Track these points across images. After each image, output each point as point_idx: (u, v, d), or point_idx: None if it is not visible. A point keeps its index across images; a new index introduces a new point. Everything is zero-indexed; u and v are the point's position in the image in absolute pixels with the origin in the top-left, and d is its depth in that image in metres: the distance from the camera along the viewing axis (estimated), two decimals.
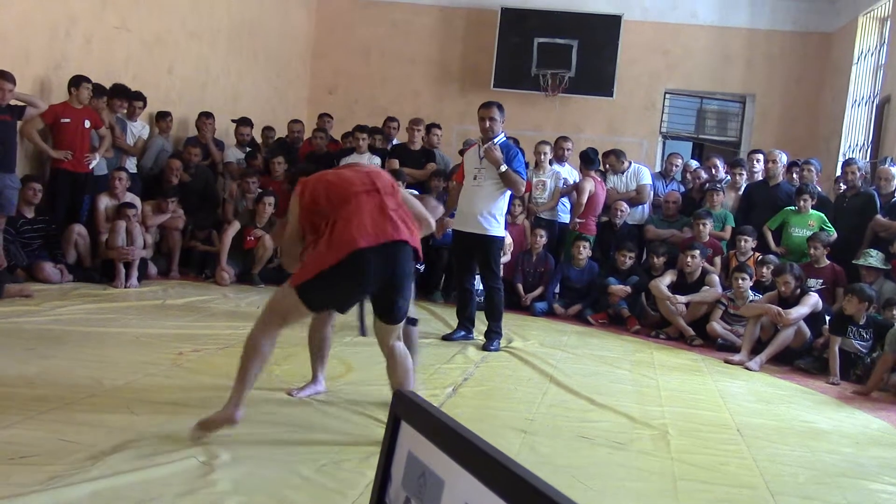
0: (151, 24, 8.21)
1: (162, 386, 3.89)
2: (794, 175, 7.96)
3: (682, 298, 6.82)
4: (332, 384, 4.14)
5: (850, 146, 10.09)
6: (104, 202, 7.10)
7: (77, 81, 6.77)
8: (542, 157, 8.09)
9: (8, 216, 6.28)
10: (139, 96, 7.76)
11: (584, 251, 7.57)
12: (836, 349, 5.74)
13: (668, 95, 11.90)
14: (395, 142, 8.95)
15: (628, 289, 7.29)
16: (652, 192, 8.34)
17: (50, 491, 2.53)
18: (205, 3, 9.21)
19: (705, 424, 4.20)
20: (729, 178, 8.31)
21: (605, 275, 7.49)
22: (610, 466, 3.40)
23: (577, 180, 8.17)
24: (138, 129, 7.93)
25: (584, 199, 7.74)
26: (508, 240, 7.66)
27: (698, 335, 6.71)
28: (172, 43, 8.66)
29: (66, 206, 6.94)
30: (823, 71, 11.21)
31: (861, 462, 3.85)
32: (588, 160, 7.95)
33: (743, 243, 7.17)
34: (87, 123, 6.88)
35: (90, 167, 7.00)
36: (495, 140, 5.58)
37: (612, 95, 11.30)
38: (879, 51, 9.74)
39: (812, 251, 6.87)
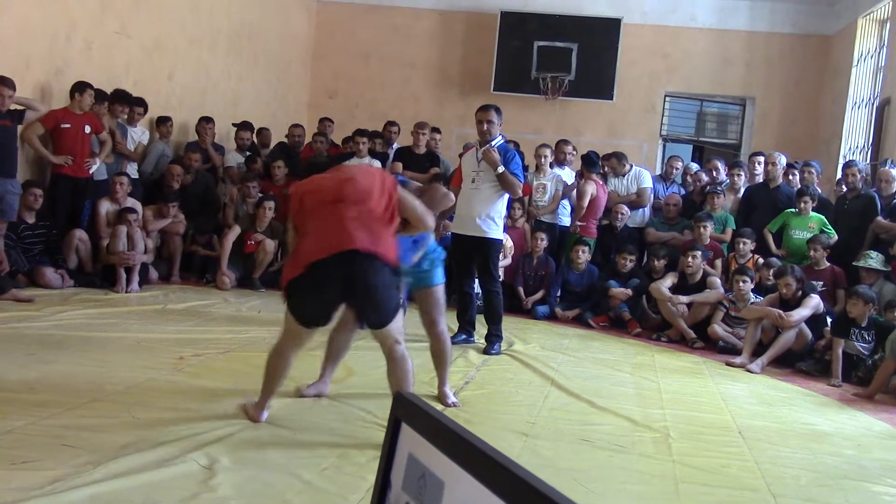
0: (151, 29, 8.22)
1: (163, 390, 3.89)
2: (792, 177, 7.96)
3: (683, 298, 6.82)
4: (335, 387, 4.14)
5: (850, 148, 10.09)
6: (105, 207, 7.10)
7: (82, 88, 6.78)
8: (543, 160, 8.08)
9: (9, 222, 6.28)
10: (140, 102, 7.77)
11: (584, 255, 7.56)
12: (840, 351, 5.74)
13: (667, 98, 11.91)
14: (395, 146, 8.95)
15: (629, 292, 7.29)
16: (652, 196, 8.34)
17: (51, 495, 2.53)
18: (204, 7, 9.23)
19: (707, 427, 4.20)
20: (729, 180, 8.31)
21: (606, 278, 7.49)
22: (611, 469, 3.40)
23: (573, 182, 8.19)
24: (138, 134, 7.94)
25: (586, 202, 7.74)
26: (509, 243, 7.67)
27: (699, 338, 6.70)
28: (172, 48, 8.67)
29: (66, 212, 6.93)
30: (823, 73, 11.21)
31: (863, 464, 3.84)
32: (590, 163, 7.95)
33: (742, 245, 7.17)
34: (88, 129, 6.89)
35: (90, 172, 7.00)
36: (493, 143, 5.60)
37: (612, 98, 11.31)
38: (879, 53, 9.74)
39: (812, 253, 6.87)
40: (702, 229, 7.32)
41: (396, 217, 3.39)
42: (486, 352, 5.57)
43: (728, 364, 6.03)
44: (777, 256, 7.22)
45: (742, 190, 8.09)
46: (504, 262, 7.60)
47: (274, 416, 3.57)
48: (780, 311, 6.06)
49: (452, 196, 4.30)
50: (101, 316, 5.63)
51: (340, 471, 3.01)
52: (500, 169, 5.51)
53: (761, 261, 7.12)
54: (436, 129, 8.94)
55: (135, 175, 7.77)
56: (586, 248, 7.62)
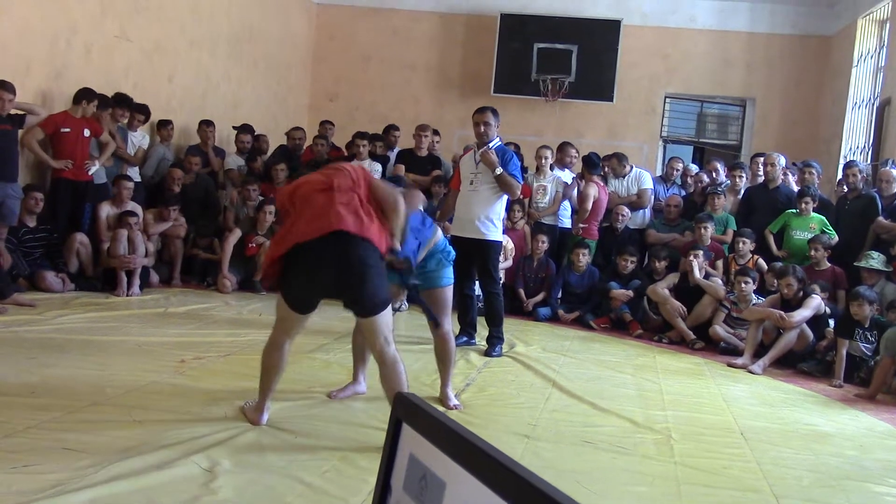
0: (151, 32, 8.23)
1: (164, 393, 3.88)
2: (786, 176, 7.96)
3: (697, 271, 6.85)
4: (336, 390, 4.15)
5: (850, 149, 10.08)
6: (105, 211, 7.10)
7: (89, 97, 6.79)
8: (543, 161, 8.07)
9: (10, 226, 6.28)
10: (143, 109, 7.77)
11: (584, 258, 7.56)
12: (844, 352, 5.73)
13: (668, 99, 11.91)
14: (397, 149, 8.95)
15: (630, 293, 7.29)
16: (653, 197, 8.34)
17: (53, 499, 2.53)
18: (205, 10, 9.24)
19: (708, 428, 4.19)
20: (729, 181, 8.31)
21: (607, 279, 7.48)
22: (613, 471, 3.39)
23: (572, 183, 8.20)
24: (139, 138, 7.94)
25: (589, 205, 7.74)
26: (510, 245, 7.67)
27: (701, 339, 6.70)
28: (172, 51, 8.68)
29: (67, 215, 6.94)
30: (823, 74, 11.21)
31: (865, 465, 3.83)
32: (591, 164, 7.95)
33: (741, 245, 7.17)
34: (87, 132, 6.89)
35: (90, 174, 6.99)
36: (490, 145, 5.60)
37: (612, 100, 11.31)
38: (879, 53, 9.74)
39: (812, 253, 6.87)
40: (702, 230, 7.32)
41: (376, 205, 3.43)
42: (487, 354, 5.58)
43: (729, 365, 6.03)
44: (778, 257, 7.22)
45: (743, 191, 8.09)
46: (505, 263, 7.59)
47: (274, 418, 3.57)
48: (782, 312, 6.05)
49: (423, 197, 4.23)
50: (102, 319, 5.63)
51: (341, 473, 3.01)
52: (499, 170, 5.51)
53: (763, 263, 7.12)
54: (436, 132, 8.94)
55: (137, 178, 7.77)
56: (587, 251, 7.62)
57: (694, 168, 9.13)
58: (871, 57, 9.94)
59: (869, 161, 9.10)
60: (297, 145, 9.28)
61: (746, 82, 11.59)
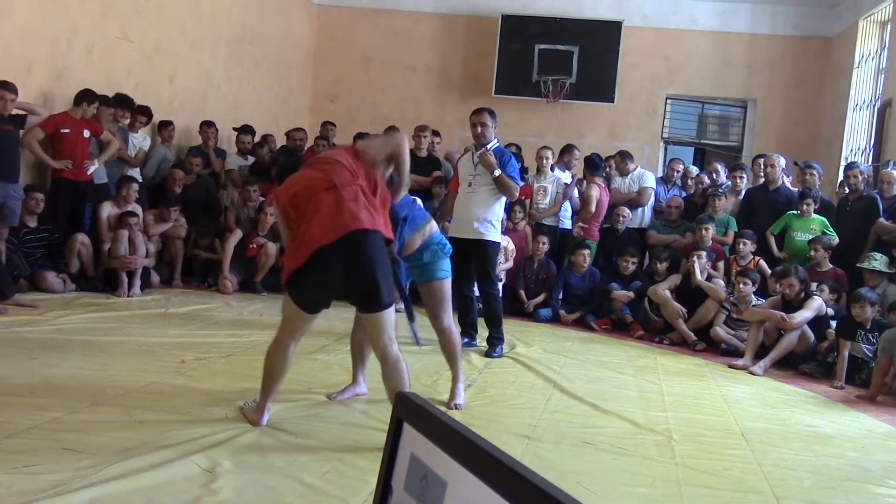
0: (152, 33, 8.23)
1: (165, 394, 3.88)
2: (787, 177, 7.96)
3: (699, 273, 6.88)
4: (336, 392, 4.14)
5: (851, 150, 10.08)
6: (107, 211, 7.10)
7: (91, 99, 6.80)
8: (544, 162, 8.07)
9: (11, 226, 6.28)
10: (145, 111, 7.77)
11: (585, 259, 7.56)
12: (846, 353, 5.72)
13: (669, 100, 11.91)
14: None
15: (631, 294, 7.28)
16: (653, 196, 8.33)
17: (53, 499, 2.53)
18: (205, 11, 9.24)
19: (709, 429, 4.19)
20: (729, 182, 8.30)
21: (608, 280, 7.48)
22: (614, 472, 3.39)
23: (571, 183, 8.20)
24: (139, 140, 7.94)
25: (593, 208, 7.75)
26: (510, 246, 7.67)
27: (702, 340, 6.69)
28: (173, 52, 8.68)
29: (67, 216, 6.94)
30: (824, 75, 11.21)
31: (866, 466, 3.83)
32: (593, 166, 7.95)
33: (742, 246, 7.16)
34: (87, 133, 6.89)
35: (88, 173, 6.99)
36: (488, 146, 5.60)
37: (613, 101, 11.31)
38: (880, 54, 9.74)
39: (813, 253, 6.87)
40: (703, 231, 7.31)
41: (378, 183, 3.44)
42: (487, 354, 5.57)
43: (730, 366, 6.02)
44: (779, 259, 7.22)
45: (743, 192, 8.08)
46: (506, 265, 7.60)
47: (275, 419, 3.57)
48: (782, 314, 6.05)
49: (405, 192, 4.12)
50: (103, 320, 5.63)
51: (342, 474, 3.01)
52: (497, 172, 5.50)
53: (765, 265, 7.12)
54: (436, 133, 8.94)
55: (139, 179, 7.77)
56: (588, 252, 7.62)
57: (694, 170, 9.13)
58: (873, 58, 9.94)
59: (870, 162, 9.09)
60: (298, 146, 9.29)
61: (747, 83, 11.58)
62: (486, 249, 5.65)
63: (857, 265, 6.63)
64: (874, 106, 9.57)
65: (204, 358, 4.71)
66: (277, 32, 11.10)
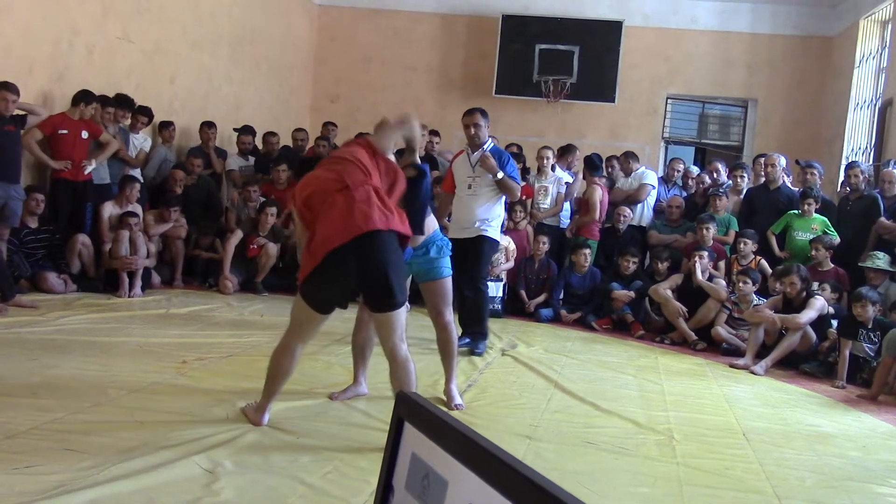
0: (153, 34, 8.24)
1: (166, 394, 3.88)
2: (788, 177, 7.95)
3: (699, 273, 6.88)
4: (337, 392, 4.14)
5: (852, 149, 10.08)
6: (108, 210, 7.11)
7: (88, 99, 6.79)
8: (545, 161, 8.06)
9: (12, 227, 6.28)
10: (146, 111, 7.77)
11: (587, 259, 7.56)
12: (847, 353, 5.72)
13: (669, 100, 11.90)
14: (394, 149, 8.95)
15: (632, 294, 7.28)
16: (651, 192, 8.30)
17: (55, 499, 2.53)
18: (206, 12, 9.24)
19: (711, 429, 4.19)
20: (730, 182, 8.30)
21: (609, 280, 7.48)
22: (615, 472, 3.39)
23: (572, 182, 8.21)
24: (140, 140, 7.94)
25: (596, 214, 7.75)
26: (511, 246, 7.67)
27: (703, 340, 6.69)
28: (174, 53, 8.68)
29: (67, 216, 6.95)
30: (825, 75, 11.20)
31: (868, 466, 3.83)
32: (593, 166, 7.95)
33: (742, 246, 7.16)
34: (85, 134, 6.88)
35: (86, 172, 6.98)
36: (484, 147, 5.54)
37: (613, 101, 11.30)
38: (881, 54, 9.74)
39: (814, 253, 6.86)
40: (704, 231, 7.31)
41: (398, 181, 3.45)
42: (471, 351, 5.52)
43: (732, 366, 6.02)
44: (780, 258, 7.21)
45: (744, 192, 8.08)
46: (507, 265, 7.60)
47: (276, 419, 3.57)
48: (779, 317, 6.06)
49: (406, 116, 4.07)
50: (104, 320, 5.64)
51: (343, 474, 3.00)
52: (500, 175, 5.45)
53: (766, 264, 7.11)
54: (434, 132, 8.94)
55: (141, 179, 7.77)
56: (588, 252, 7.61)
57: (695, 170, 9.13)
58: (873, 58, 9.93)
59: (871, 162, 9.09)
60: (299, 146, 9.30)
61: (748, 83, 11.58)
62: (483, 244, 5.58)
63: (860, 264, 6.62)
64: (875, 105, 9.56)
65: (205, 358, 4.71)
66: (278, 33, 11.10)
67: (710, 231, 7.33)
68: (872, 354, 5.70)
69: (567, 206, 8.13)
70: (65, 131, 6.72)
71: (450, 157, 7.28)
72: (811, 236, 7.10)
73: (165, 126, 8.30)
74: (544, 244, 7.68)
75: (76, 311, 5.83)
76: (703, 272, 6.97)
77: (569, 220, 8.14)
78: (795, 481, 3.47)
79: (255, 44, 10.43)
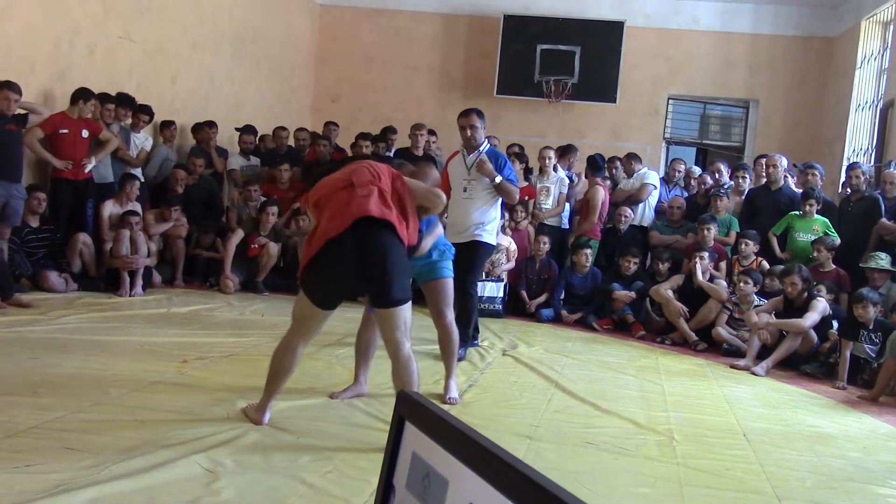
0: (154, 33, 8.24)
1: (166, 394, 3.88)
2: (790, 178, 7.94)
3: (700, 273, 6.88)
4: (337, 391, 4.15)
5: (853, 150, 10.07)
6: (109, 209, 7.11)
7: (86, 97, 6.79)
8: (547, 161, 8.05)
9: (13, 226, 6.28)
10: (147, 110, 7.77)
11: (588, 259, 7.55)
12: (848, 354, 5.72)
13: (671, 101, 11.90)
14: (393, 148, 8.96)
15: (633, 294, 7.28)
16: (652, 192, 8.29)
17: (55, 498, 2.53)
18: (207, 12, 9.25)
19: (711, 430, 4.19)
20: (732, 182, 8.29)
21: (610, 280, 7.48)
22: (616, 472, 3.39)
23: (573, 182, 8.21)
24: (141, 140, 7.95)
25: (597, 215, 7.74)
26: (513, 246, 7.66)
27: (703, 340, 6.69)
28: (175, 52, 8.69)
29: (68, 215, 6.95)
30: (826, 75, 11.20)
31: (868, 467, 3.82)
32: (595, 166, 7.94)
33: (744, 246, 7.16)
34: (86, 133, 6.88)
35: (86, 171, 6.98)
36: (481, 149, 5.40)
37: (615, 101, 11.30)
38: (882, 55, 9.73)
39: (815, 254, 6.86)
40: (705, 231, 7.30)
41: (408, 202, 3.43)
42: None
43: (732, 367, 6.02)
44: (781, 259, 7.21)
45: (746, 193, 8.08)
46: (507, 265, 7.60)
47: (276, 419, 3.57)
48: (781, 323, 6.08)
49: (437, 174, 4.17)
50: (105, 320, 5.64)
51: (344, 474, 3.01)
52: (498, 179, 5.31)
53: (767, 265, 7.11)
54: (432, 132, 8.94)
55: (141, 178, 7.77)
56: (589, 252, 7.61)
57: (696, 170, 9.12)
58: (875, 59, 9.93)
59: (872, 163, 9.09)
60: (301, 146, 9.30)
61: (749, 84, 11.58)
62: (477, 250, 5.44)
63: (861, 265, 6.62)
64: (876, 106, 9.56)
65: (206, 358, 4.71)
66: (279, 32, 11.10)
67: (712, 232, 7.33)
68: (873, 355, 5.70)
69: (567, 206, 8.13)
70: (65, 130, 6.72)
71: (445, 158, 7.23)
72: (812, 237, 7.10)
73: (167, 126, 8.30)
74: (545, 244, 7.67)
75: (77, 311, 5.83)
76: (703, 273, 6.97)
77: (569, 221, 8.13)
78: (796, 482, 3.47)
79: (256, 43, 10.43)
